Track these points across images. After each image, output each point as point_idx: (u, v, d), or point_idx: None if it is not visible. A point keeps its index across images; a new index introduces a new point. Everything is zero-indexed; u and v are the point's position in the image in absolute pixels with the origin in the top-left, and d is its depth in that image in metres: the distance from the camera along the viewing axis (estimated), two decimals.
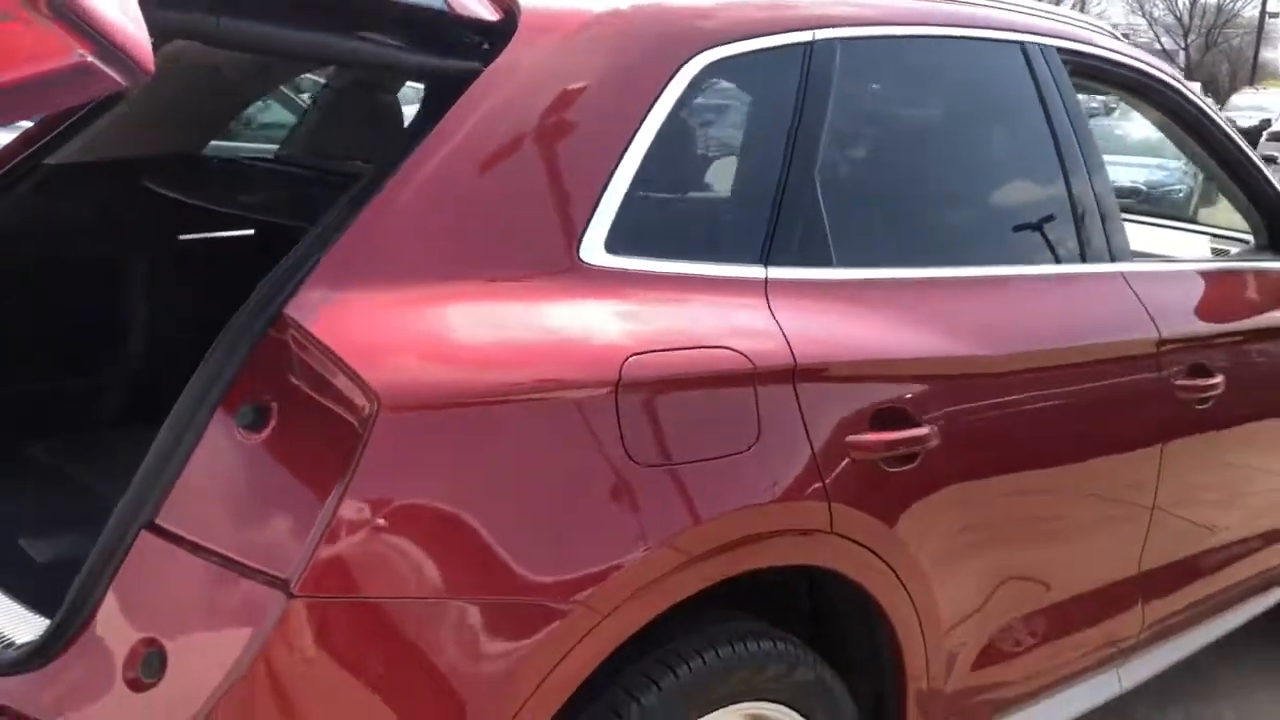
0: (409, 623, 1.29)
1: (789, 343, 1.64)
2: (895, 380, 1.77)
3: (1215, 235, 3.19)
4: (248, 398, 1.32)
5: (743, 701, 1.65)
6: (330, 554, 1.26)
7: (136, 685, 1.29)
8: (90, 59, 1.06)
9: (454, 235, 1.44)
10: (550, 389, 1.40)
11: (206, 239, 2.46)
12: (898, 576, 1.80)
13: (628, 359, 1.46)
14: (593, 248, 1.53)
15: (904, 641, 1.86)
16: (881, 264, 1.88)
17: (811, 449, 1.63)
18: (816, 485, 1.63)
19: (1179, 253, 3.10)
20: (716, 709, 1.61)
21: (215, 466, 1.33)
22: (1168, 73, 2.61)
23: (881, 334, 1.79)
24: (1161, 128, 2.80)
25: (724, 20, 1.76)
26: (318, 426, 1.29)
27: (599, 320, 1.49)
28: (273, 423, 1.31)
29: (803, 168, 1.79)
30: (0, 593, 1.55)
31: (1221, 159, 2.78)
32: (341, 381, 1.28)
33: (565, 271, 1.50)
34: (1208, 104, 2.69)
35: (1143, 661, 2.49)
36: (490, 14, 1.56)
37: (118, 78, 1.09)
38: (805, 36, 1.83)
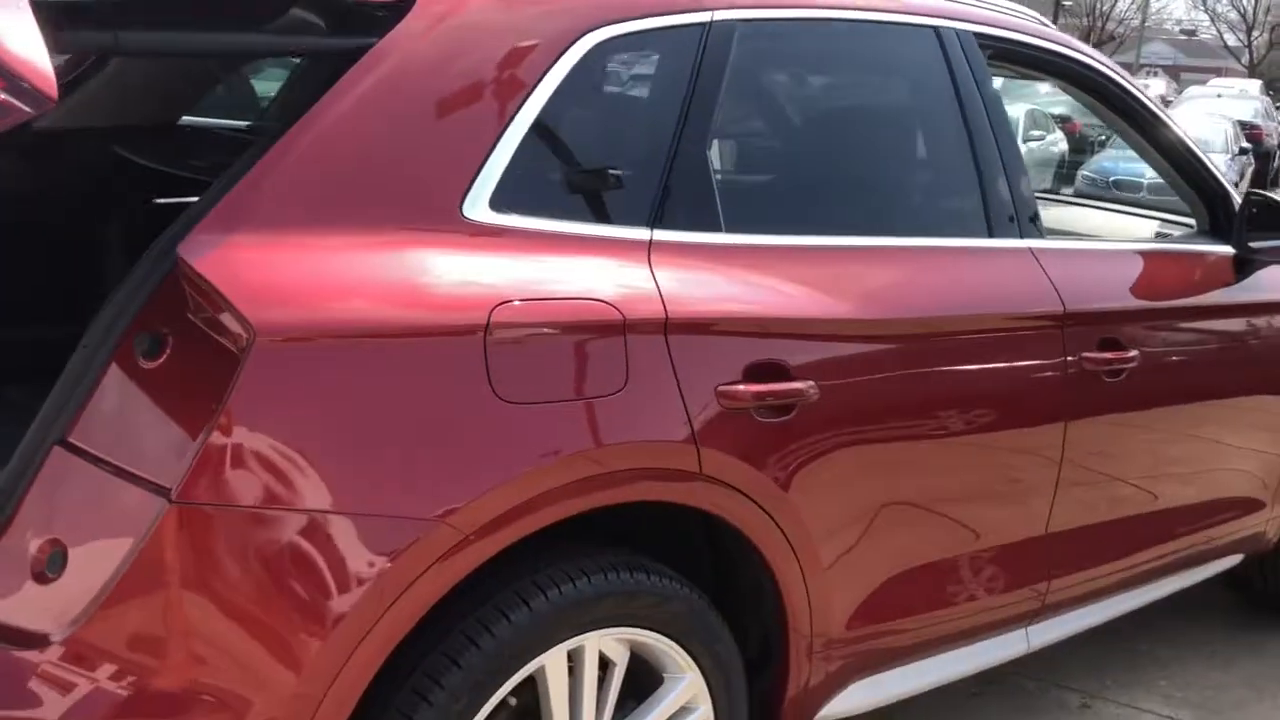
0: (275, 531, 1.45)
1: (663, 298, 1.78)
2: (772, 337, 1.90)
3: (1170, 221, 3.27)
4: (147, 328, 1.49)
5: (615, 627, 1.80)
6: (206, 466, 1.42)
7: (42, 579, 1.46)
8: (2, 96, 1.23)
9: (340, 188, 1.60)
10: (419, 327, 1.55)
11: (179, 203, 2.64)
12: (775, 522, 1.93)
13: (498, 305, 1.61)
14: (476, 204, 1.68)
15: (784, 585, 1.99)
16: (771, 231, 2.01)
17: (681, 397, 1.77)
18: (684, 430, 1.77)
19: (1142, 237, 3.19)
20: (587, 631, 1.76)
21: (117, 389, 1.50)
22: (1098, 59, 2.71)
23: (763, 295, 1.93)
24: (1098, 114, 2.90)
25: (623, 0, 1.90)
26: (203, 354, 1.46)
27: (474, 269, 1.64)
28: (167, 351, 1.48)
29: (694, 140, 1.93)
30: None
31: (1157, 145, 2.87)
32: (223, 314, 1.44)
33: (447, 225, 1.66)
34: (1142, 92, 2.78)
35: (1053, 623, 2.60)
36: None
37: (26, 108, 1.26)
38: (704, 17, 1.97)
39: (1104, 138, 19.77)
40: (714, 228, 1.93)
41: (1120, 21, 52.21)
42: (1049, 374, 2.36)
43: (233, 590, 1.44)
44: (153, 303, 1.50)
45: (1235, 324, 2.89)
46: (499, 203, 1.71)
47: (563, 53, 1.80)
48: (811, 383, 1.93)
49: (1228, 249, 2.86)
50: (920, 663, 2.34)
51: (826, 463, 1.99)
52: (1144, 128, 2.82)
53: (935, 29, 2.33)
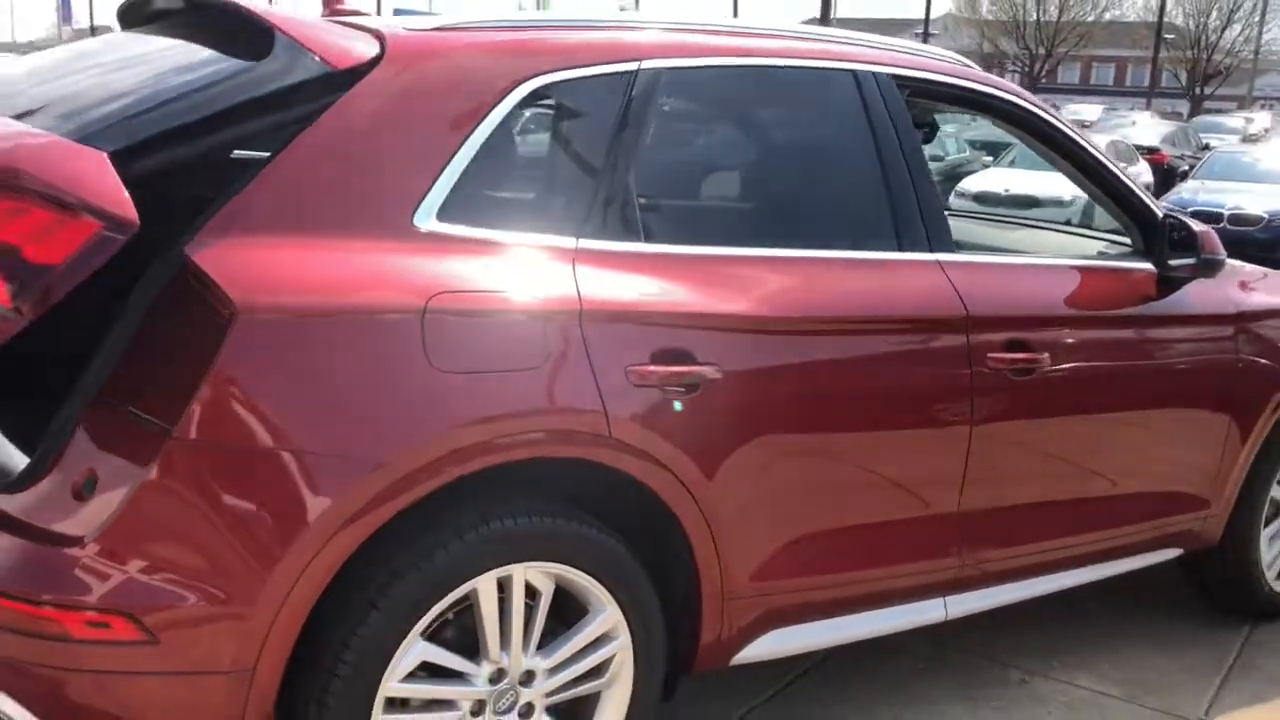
0: (253, 462, 1.90)
1: (580, 294, 2.19)
2: (680, 327, 2.30)
3: (1108, 240, 3.57)
4: (165, 305, 1.96)
5: (539, 561, 2.20)
6: (199, 412, 1.87)
7: (80, 497, 1.93)
8: (105, 232, 1.74)
9: (315, 204, 2.05)
10: (370, 309, 1.99)
11: None
12: (684, 485, 2.32)
13: (435, 294, 2.04)
14: (426, 217, 2.12)
15: (694, 542, 2.38)
16: (686, 243, 2.41)
17: (593, 373, 2.18)
18: (594, 400, 2.17)
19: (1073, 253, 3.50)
20: (513, 563, 2.17)
21: (140, 353, 1.96)
22: (1018, 95, 3.06)
23: (675, 294, 2.33)
24: (1027, 144, 3.24)
25: (559, 52, 2.34)
26: (199, 328, 1.91)
27: (419, 266, 2.08)
28: (173, 326, 1.94)
29: (619, 166, 2.34)
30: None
31: (1084, 171, 3.20)
32: (214, 295, 1.90)
33: (401, 233, 2.10)
34: (1062, 122, 3.11)
35: (970, 596, 2.92)
36: (365, 52, 2.17)
37: (119, 237, 1.76)
38: (632, 66, 2.39)
39: (1188, 168, 19.69)
40: (635, 239, 2.34)
41: (1229, 54, 51.10)
42: (952, 370, 2.70)
43: (219, 504, 1.89)
44: (165, 289, 1.96)
45: (1156, 334, 3.17)
46: (446, 215, 2.14)
47: (504, 97, 2.23)
48: (714, 367, 2.32)
49: (1151, 266, 3.16)
50: (836, 619, 2.69)
51: (730, 437, 2.37)
52: (1069, 156, 3.15)
53: (854, 72, 2.72)
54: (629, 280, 2.29)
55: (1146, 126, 23.13)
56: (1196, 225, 3.12)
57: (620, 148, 2.36)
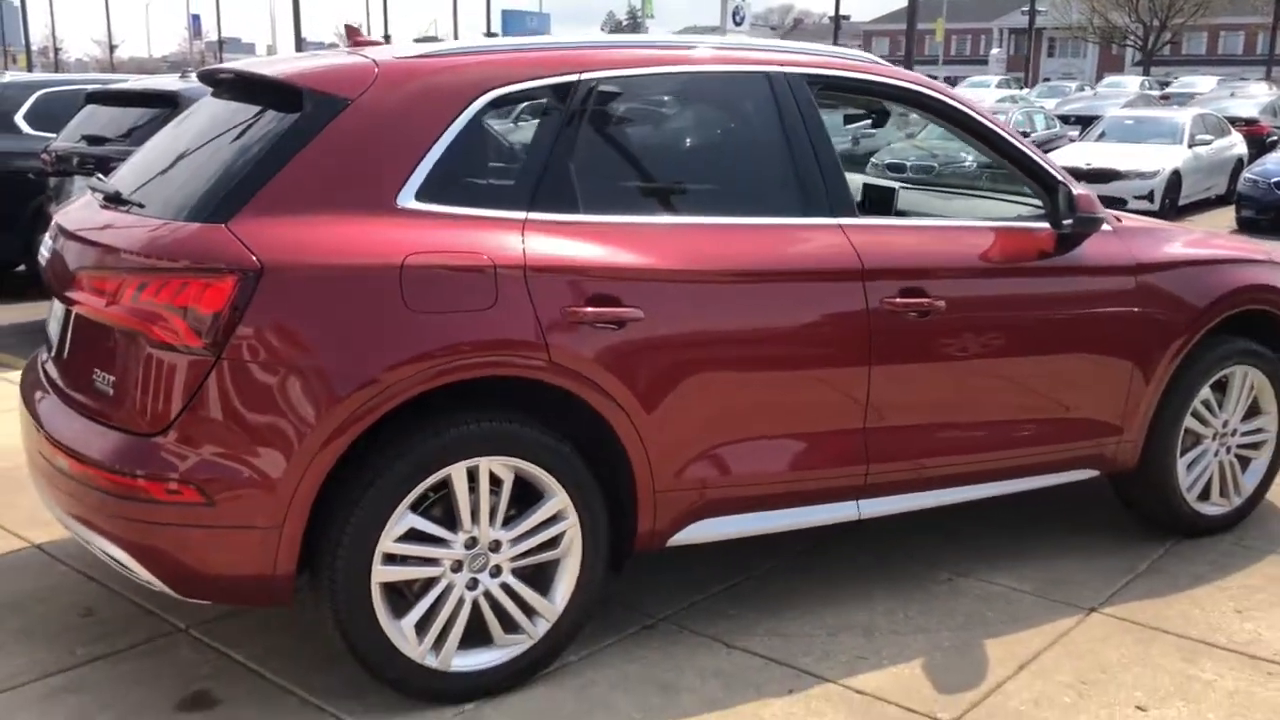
0: (278, 379, 2.66)
1: (525, 252, 2.90)
2: (608, 279, 2.99)
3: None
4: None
5: (500, 455, 2.91)
6: (239, 341, 2.65)
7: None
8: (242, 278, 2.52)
9: (322, 190, 2.80)
10: (361, 266, 2.74)
11: None
12: (615, 401, 3.01)
13: (410, 254, 2.78)
14: (406, 197, 2.86)
15: (627, 447, 3.07)
16: (617, 214, 3.10)
17: (535, 312, 2.89)
18: (536, 332, 2.88)
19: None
20: (479, 457, 2.88)
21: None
22: (923, 83, 3.65)
23: (605, 252, 3.02)
24: (943, 128, 3.82)
25: (510, 68, 3.05)
26: (236, 281, 2.68)
27: (398, 234, 2.81)
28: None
29: (563, 156, 3.05)
30: None
31: (994, 148, 3.77)
32: (247, 258, 2.67)
33: (387, 210, 2.84)
34: (971, 106, 3.70)
35: (882, 502, 3.54)
36: (364, 79, 2.92)
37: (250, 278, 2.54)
38: (573, 77, 3.09)
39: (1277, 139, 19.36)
40: (574, 211, 3.05)
41: None
42: (851, 311, 3.33)
43: (254, 409, 2.66)
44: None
45: (1055, 284, 3.72)
46: (422, 196, 2.88)
47: (469, 104, 2.96)
48: (638, 309, 3.01)
49: (1048, 226, 3.72)
50: (758, 514, 3.34)
51: (653, 365, 3.05)
52: (973, 131, 3.73)
53: (767, 73, 3.37)
54: (568, 243, 2.99)
55: (1249, 98, 22.75)
56: (1077, 188, 3.67)
57: (563, 141, 3.07)
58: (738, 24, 22.52)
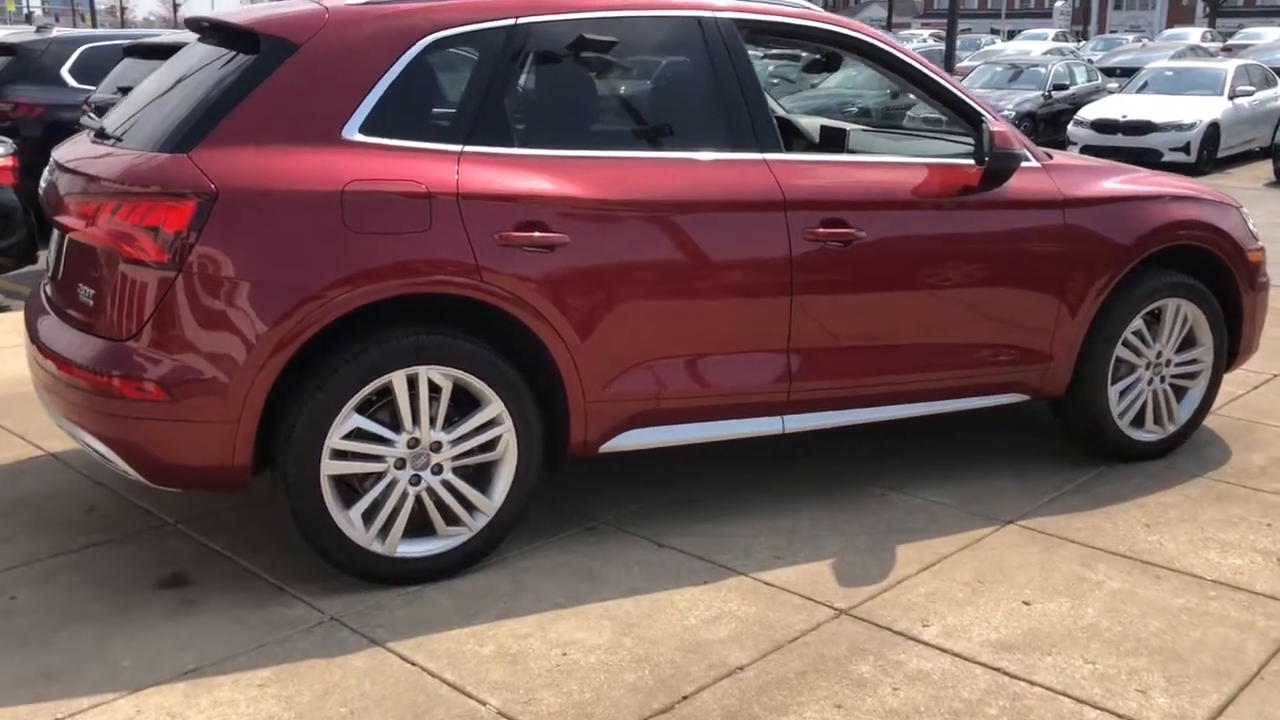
0: (232, 291, 3.01)
1: (458, 181, 3.22)
2: (536, 206, 3.29)
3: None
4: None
5: (437, 365, 3.24)
6: (197, 256, 3.00)
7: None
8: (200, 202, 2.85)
9: (274, 123, 3.13)
10: (306, 192, 3.07)
11: None
12: (543, 317, 3.32)
13: (350, 181, 3.11)
14: (351, 131, 3.19)
15: (557, 360, 3.38)
16: (549, 148, 3.40)
17: (467, 236, 3.20)
18: (468, 254, 3.20)
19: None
20: (417, 365, 3.21)
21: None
22: (851, 26, 3.89)
23: (535, 183, 3.32)
24: (876, 71, 4.05)
25: (450, 13, 3.35)
26: (195, 204, 3.03)
27: (342, 164, 3.14)
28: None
29: (498, 94, 3.35)
30: None
31: (920, 85, 4.00)
32: (205, 183, 3.01)
33: (333, 142, 3.17)
34: (897, 47, 3.93)
35: (806, 418, 3.82)
36: (313, 24, 3.24)
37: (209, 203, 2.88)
38: (509, 21, 3.39)
39: None
40: (507, 145, 3.35)
41: None
42: (772, 240, 3.60)
43: (211, 318, 3.02)
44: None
45: (980, 217, 3.95)
46: (366, 130, 3.20)
47: (408, 49, 3.27)
48: (565, 235, 3.31)
49: (973, 162, 3.94)
50: (687, 425, 3.65)
51: (580, 286, 3.36)
52: (902, 72, 3.97)
53: (698, 18, 3.63)
54: (500, 174, 3.30)
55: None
56: (996, 125, 3.88)
57: (499, 80, 3.37)
58: None
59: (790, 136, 4.62)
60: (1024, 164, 4.01)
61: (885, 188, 3.84)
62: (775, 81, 7.09)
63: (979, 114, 3.99)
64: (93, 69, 9.27)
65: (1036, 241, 4.06)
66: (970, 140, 4.08)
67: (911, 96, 4.32)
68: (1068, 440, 4.55)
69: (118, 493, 4.00)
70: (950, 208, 3.92)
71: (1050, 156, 4.22)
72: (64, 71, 9.46)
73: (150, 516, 3.84)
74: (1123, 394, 4.39)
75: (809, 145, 4.79)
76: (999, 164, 3.88)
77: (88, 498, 4.00)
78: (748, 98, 3.65)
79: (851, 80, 18.89)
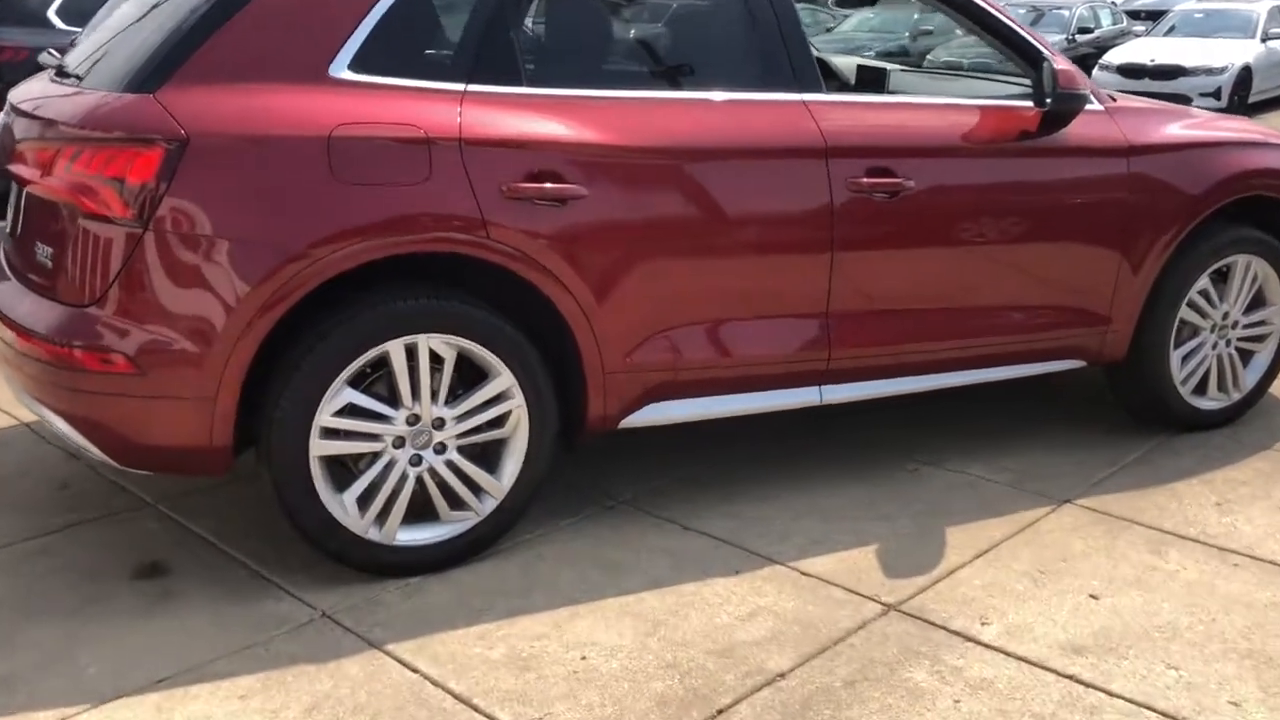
0: (205, 250, 2.65)
1: (461, 125, 2.84)
2: (549, 153, 2.92)
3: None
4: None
5: (438, 333, 2.89)
6: (165, 209, 2.64)
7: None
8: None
9: (252, 58, 2.75)
10: (288, 137, 2.70)
11: None
12: (559, 280, 2.96)
13: (338, 124, 2.73)
14: (339, 67, 2.81)
15: (573, 326, 3.03)
16: (564, 87, 3.02)
17: (471, 188, 2.84)
18: (473, 208, 2.83)
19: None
20: (417, 334, 2.86)
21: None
22: None
23: (546, 126, 2.94)
24: (927, 4, 3.65)
25: None
26: (164, 150, 2.66)
27: (329, 105, 2.77)
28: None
29: (507, 26, 2.97)
30: None
31: (980, 24, 3.60)
32: (173, 127, 2.64)
33: (319, 80, 2.79)
34: None
35: (846, 388, 3.47)
36: None
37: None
38: None
39: None
40: (516, 84, 2.97)
41: None
42: (812, 191, 3.23)
43: (181, 280, 2.66)
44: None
45: (1038, 165, 3.57)
46: (356, 66, 2.82)
47: None
48: (582, 186, 2.95)
49: (1033, 104, 3.55)
50: (716, 397, 3.30)
51: (599, 245, 2.99)
52: (960, 9, 3.56)
53: None
54: (508, 116, 2.93)
55: None
56: (1060, 63, 3.49)
57: (507, 11, 2.98)
58: None
59: (825, 78, 4.22)
60: (1087, 107, 3.62)
61: (936, 133, 3.46)
62: None
63: (1039, 51, 3.59)
64: (81, 9, 8.82)
65: (1099, 192, 3.68)
66: (1026, 81, 3.70)
67: (930, 40, 3.92)
68: (1122, 409, 4.20)
69: (93, 468, 3.67)
70: (1006, 155, 3.54)
71: (1114, 99, 3.83)
72: (50, 13, 9.02)
73: (128, 495, 3.51)
74: (1185, 359, 4.03)
75: (843, 88, 4.39)
76: (1062, 106, 3.49)
77: (61, 473, 3.68)
78: (784, 30, 3.26)
79: (868, 23, 18.38)
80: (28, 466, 3.74)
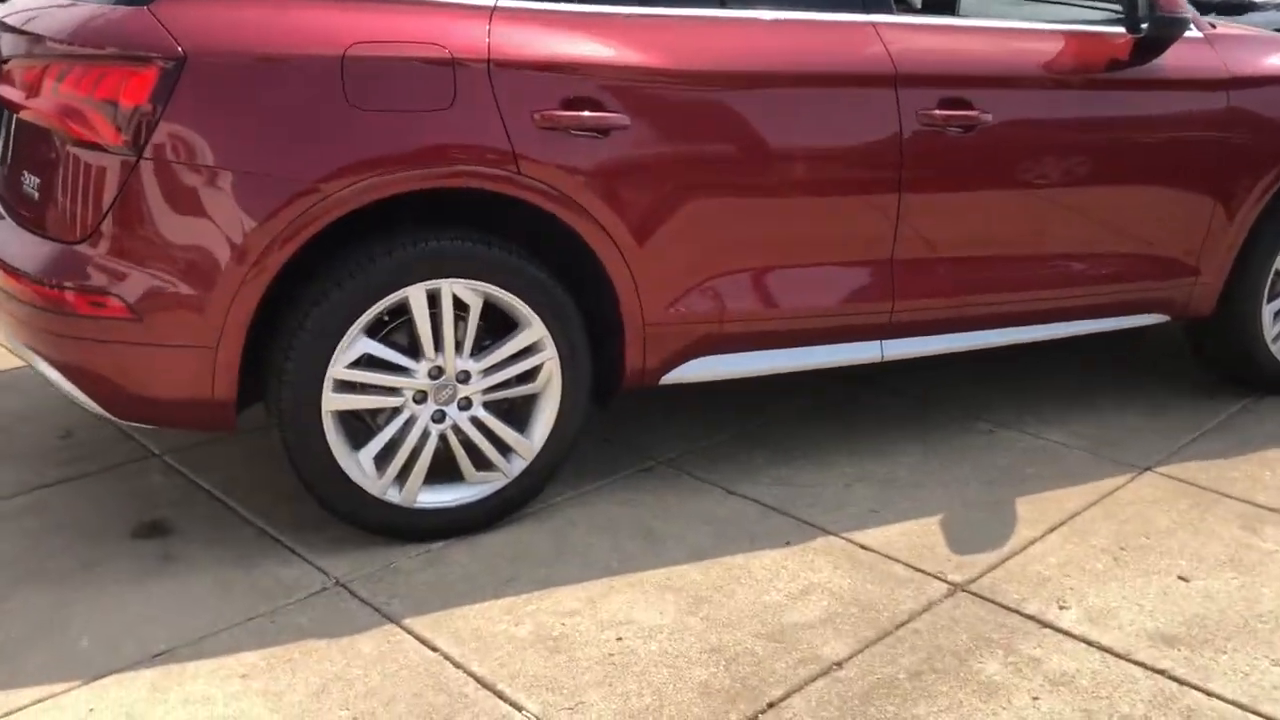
0: (206, 182, 2.38)
1: (490, 45, 2.54)
2: (588, 77, 2.61)
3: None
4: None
5: (462, 278, 2.61)
6: (161, 135, 2.36)
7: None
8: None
9: None
10: (297, 56, 2.41)
11: None
12: (596, 219, 2.67)
13: (353, 43, 2.44)
14: None
15: (611, 272, 2.74)
16: (604, 3, 2.70)
17: (500, 115, 2.54)
18: (502, 138, 2.54)
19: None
20: (439, 279, 2.58)
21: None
22: None
23: (585, 46, 2.64)
24: None
25: None
26: (160, 70, 2.38)
27: (343, 20, 2.47)
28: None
29: None
30: None
31: None
32: (170, 44, 2.36)
33: None
34: None
35: (911, 343, 3.17)
36: None
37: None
38: None
39: None
40: None
41: None
42: (879, 123, 2.91)
43: (180, 215, 2.39)
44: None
45: (1128, 97, 3.22)
46: None
47: None
48: (624, 115, 2.64)
49: (1124, 30, 3.19)
50: (766, 352, 3.00)
51: (641, 181, 2.69)
52: None
53: None
54: (543, 35, 2.62)
55: None
56: None
57: None
58: None
59: None
60: (1185, 34, 3.26)
61: (1017, 60, 3.11)
62: None
63: None
64: None
65: (1194, 129, 3.33)
66: (1114, 5, 3.34)
67: None
68: (1205, 368, 3.87)
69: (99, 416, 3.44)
70: (1095, 86, 3.19)
71: (1213, 25, 3.46)
72: None
73: (133, 445, 3.29)
74: (1278, 315, 3.69)
75: (913, 9, 4.02)
76: (1160, 31, 3.13)
77: (64, 420, 3.46)
78: None
79: None
80: (30, 412, 3.52)
